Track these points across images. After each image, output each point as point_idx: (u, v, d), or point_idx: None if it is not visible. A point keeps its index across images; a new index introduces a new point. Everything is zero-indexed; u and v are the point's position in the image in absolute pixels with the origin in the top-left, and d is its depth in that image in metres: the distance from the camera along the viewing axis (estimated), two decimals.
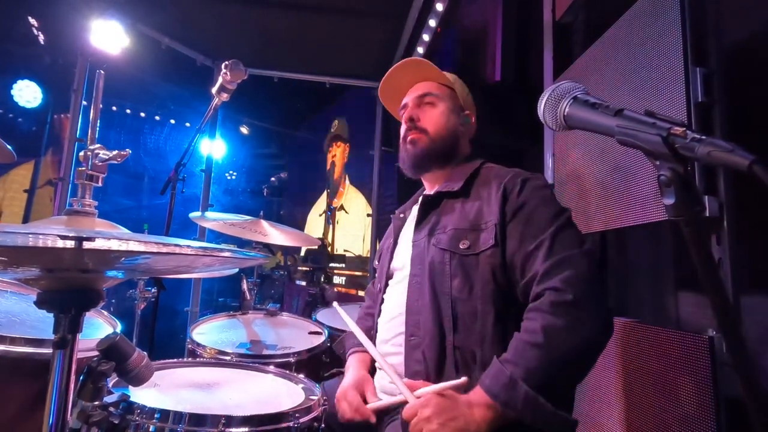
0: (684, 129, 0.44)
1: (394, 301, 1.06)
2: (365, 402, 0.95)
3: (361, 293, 3.72)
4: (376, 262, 1.26)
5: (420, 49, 2.74)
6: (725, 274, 0.87)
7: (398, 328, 1.00)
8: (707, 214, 0.88)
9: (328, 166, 4.73)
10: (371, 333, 1.12)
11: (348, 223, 4.40)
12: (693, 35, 0.94)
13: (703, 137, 0.42)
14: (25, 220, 3.54)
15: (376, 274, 1.23)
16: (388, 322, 1.05)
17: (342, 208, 4.50)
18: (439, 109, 1.13)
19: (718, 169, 0.89)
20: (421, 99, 1.14)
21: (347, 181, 4.62)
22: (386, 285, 1.14)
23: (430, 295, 0.95)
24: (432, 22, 2.57)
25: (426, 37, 2.66)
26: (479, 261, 0.93)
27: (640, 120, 0.49)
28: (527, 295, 0.88)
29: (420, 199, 1.13)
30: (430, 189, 1.18)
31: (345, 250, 4.16)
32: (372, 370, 1.07)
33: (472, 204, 1.01)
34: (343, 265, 3.89)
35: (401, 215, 1.22)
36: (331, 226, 4.28)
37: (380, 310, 1.11)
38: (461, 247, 0.96)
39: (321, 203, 4.86)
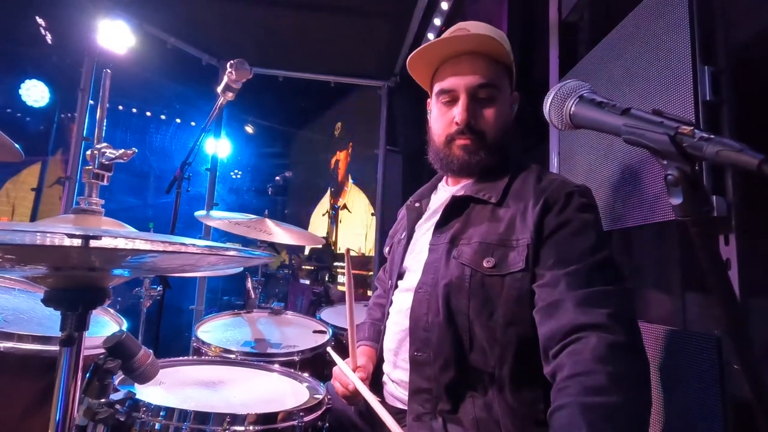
0: (692, 128, 0.44)
1: (403, 311, 0.97)
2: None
3: (368, 293, 3.72)
4: (387, 249, 1.19)
5: None
6: (733, 274, 0.86)
7: (407, 342, 0.93)
8: (715, 214, 0.87)
9: (332, 166, 4.73)
10: (379, 328, 1.09)
11: (351, 221, 4.40)
12: (701, 33, 0.93)
13: (712, 136, 0.42)
14: (33, 218, 3.58)
15: (386, 267, 1.17)
16: (396, 334, 0.98)
17: (345, 206, 4.50)
18: (499, 107, 0.94)
19: (726, 168, 0.88)
20: (477, 90, 0.93)
21: (350, 181, 4.62)
22: (396, 285, 1.05)
23: (445, 312, 0.86)
24: (437, 21, 2.56)
25: (431, 36, 2.66)
26: (504, 284, 0.83)
27: (647, 119, 0.48)
28: (547, 318, 0.77)
29: (449, 192, 1.01)
30: (455, 183, 1.05)
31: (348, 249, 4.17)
32: (378, 365, 1.06)
33: (504, 213, 0.89)
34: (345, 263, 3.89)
35: (416, 204, 1.10)
36: (334, 226, 4.29)
37: (389, 313, 1.05)
38: (485, 264, 0.84)
39: (324, 203, 4.87)
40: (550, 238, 0.82)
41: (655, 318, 1.18)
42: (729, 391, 0.84)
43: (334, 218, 4.34)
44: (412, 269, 1.01)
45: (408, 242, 1.06)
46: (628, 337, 0.71)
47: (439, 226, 0.96)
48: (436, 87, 0.99)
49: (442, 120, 0.98)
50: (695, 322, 1.06)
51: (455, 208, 0.95)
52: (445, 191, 1.08)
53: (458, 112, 0.93)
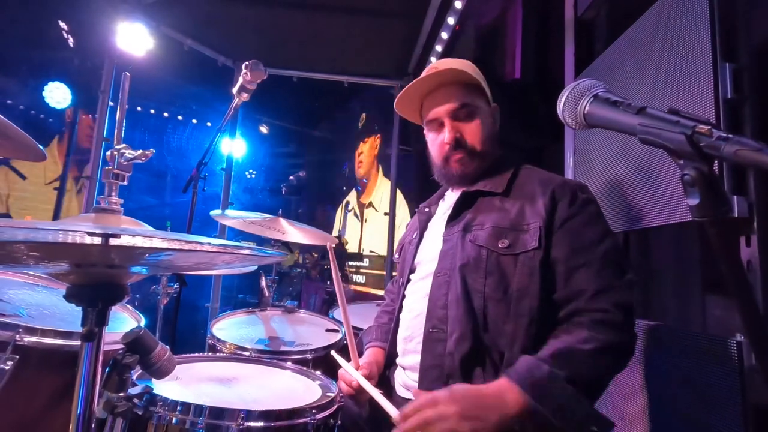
0: (709, 127, 0.43)
1: (419, 297, 1.02)
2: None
3: (380, 292, 3.72)
4: (396, 256, 1.23)
5: (438, 47, 2.73)
6: (755, 276, 0.83)
7: (422, 325, 0.97)
8: (736, 215, 0.85)
9: (357, 166, 4.64)
10: (387, 329, 1.11)
11: (377, 220, 4.28)
12: (722, 29, 0.91)
13: (730, 136, 0.41)
14: (56, 215, 3.69)
15: (397, 269, 1.20)
16: (412, 320, 1.02)
17: (371, 204, 4.43)
18: (480, 120, 1.05)
19: (748, 168, 0.86)
20: (457, 113, 1.04)
21: (380, 173, 4.48)
22: (408, 280, 1.10)
23: (462, 291, 0.93)
24: (451, 20, 2.55)
25: (444, 35, 2.64)
26: (517, 261, 0.92)
27: (663, 118, 0.47)
28: (565, 304, 0.90)
29: (456, 194, 1.08)
30: (459, 190, 1.12)
31: (371, 251, 4.13)
32: (387, 365, 1.07)
33: (513, 203, 0.99)
34: (362, 263, 3.88)
35: (426, 209, 1.19)
36: (359, 224, 4.24)
37: (402, 306, 1.08)
38: (500, 245, 0.94)
39: (350, 199, 4.75)
40: (561, 229, 0.93)
41: (675, 321, 1.15)
42: (750, 397, 0.82)
43: (359, 217, 4.28)
44: (425, 261, 1.07)
45: (420, 241, 1.12)
46: (624, 321, 0.86)
47: (451, 219, 1.05)
48: (425, 119, 1.12)
49: (436, 144, 1.10)
50: (716, 325, 1.03)
51: (466, 202, 1.05)
52: (452, 196, 1.15)
53: (446, 133, 1.05)
